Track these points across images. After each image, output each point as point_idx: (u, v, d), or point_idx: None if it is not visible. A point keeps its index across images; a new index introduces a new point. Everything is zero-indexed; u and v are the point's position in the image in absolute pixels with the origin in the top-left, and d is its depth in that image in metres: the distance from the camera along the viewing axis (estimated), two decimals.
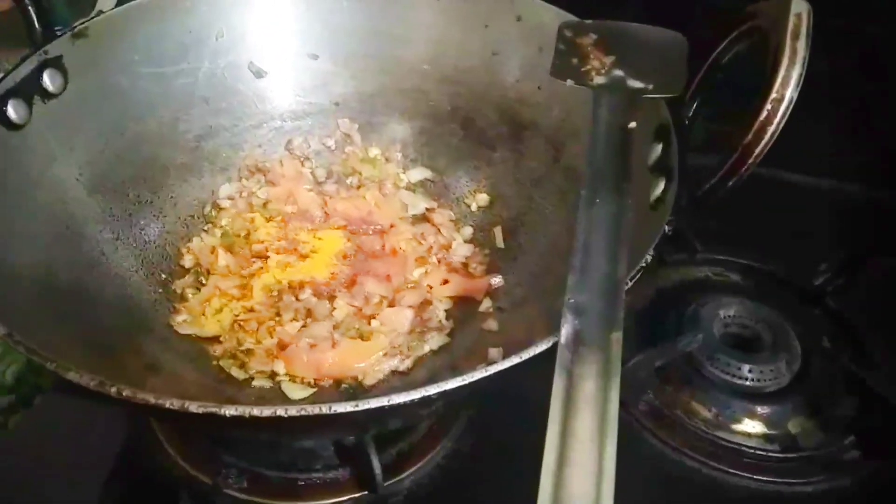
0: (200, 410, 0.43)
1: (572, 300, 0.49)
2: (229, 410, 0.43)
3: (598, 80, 0.69)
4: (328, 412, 0.43)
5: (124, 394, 0.44)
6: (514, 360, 0.47)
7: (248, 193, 0.86)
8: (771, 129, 0.53)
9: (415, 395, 0.44)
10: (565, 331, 0.47)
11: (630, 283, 0.52)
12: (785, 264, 0.93)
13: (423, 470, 0.71)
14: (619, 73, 0.69)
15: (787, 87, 0.53)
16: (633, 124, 0.63)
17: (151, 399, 0.44)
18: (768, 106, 0.53)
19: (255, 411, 0.43)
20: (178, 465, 0.70)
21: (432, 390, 0.44)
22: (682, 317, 0.83)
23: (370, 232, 0.84)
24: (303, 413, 0.43)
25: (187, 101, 0.85)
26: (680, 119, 0.64)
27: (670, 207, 0.58)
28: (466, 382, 0.45)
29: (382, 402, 0.44)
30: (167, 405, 0.44)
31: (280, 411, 0.43)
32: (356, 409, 0.43)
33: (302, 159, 0.91)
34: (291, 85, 0.91)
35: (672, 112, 0.65)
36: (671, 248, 0.85)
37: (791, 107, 0.53)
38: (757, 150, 0.54)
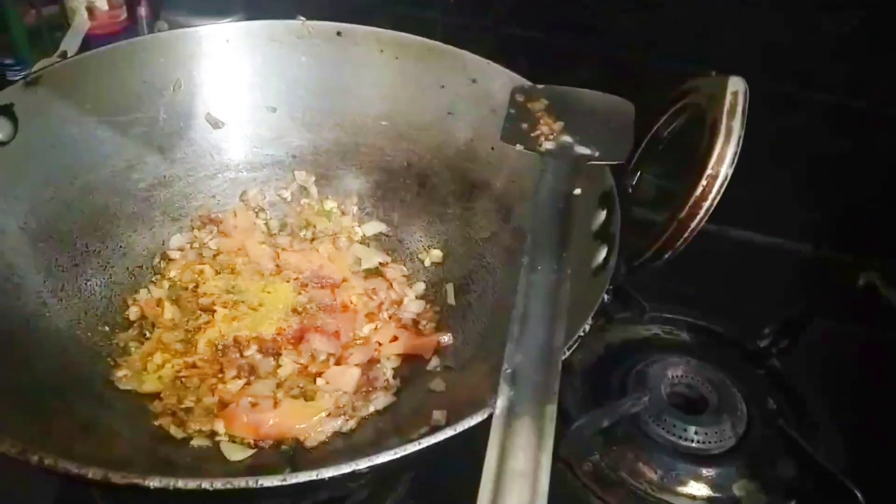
0: (123, 481, 0.42)
1: (509, 370, 0.49)
2: (153, 482, 0.42)
3: (547, 145, 0.71)
4: (254, 486, 0.42)
5: (46, 462, 0.43)
6: (436, 437, 0.47)
7: (200, 244, 0.86)
8: (706, 204, 0.54)
9: (344, 468, 0.44)
10: (500, 403, 0.47)
11: (567, 353, 0.52)
12: (733, 324, 0.94)
13: None
14: (567, 139, 0.71)
15: (721, 164, 0.54)
16: (577, 191, 0.64)
17: (74, 469, 0.43)
18: (703, 182, 0.54)
19: (180, 483, 0.42)
20: None
21: (363, 464, 0.44)
22: (629, 376, 0.84)
23: (321, 286, 0.83)
24: (228, 486, 0.42)
25: (142, 150, 0.85)
26: (623, 187, 0.66)
27: (610, 275, 0.59)
28: (398, 456, 0.45)
29: (311, 475, 0.43)
30: (90, 475, 0.43)
31: (205, 484, 0.42)
32: (283, 483, 0.42)
33: (256, 210, 0.91)
34: (248, 136, 0.91)
35: (616, 179, 0.67)
36: (619, 306, 0.86)
37: (726, 183, 0.54)
38: (692, 226, 0.55)
